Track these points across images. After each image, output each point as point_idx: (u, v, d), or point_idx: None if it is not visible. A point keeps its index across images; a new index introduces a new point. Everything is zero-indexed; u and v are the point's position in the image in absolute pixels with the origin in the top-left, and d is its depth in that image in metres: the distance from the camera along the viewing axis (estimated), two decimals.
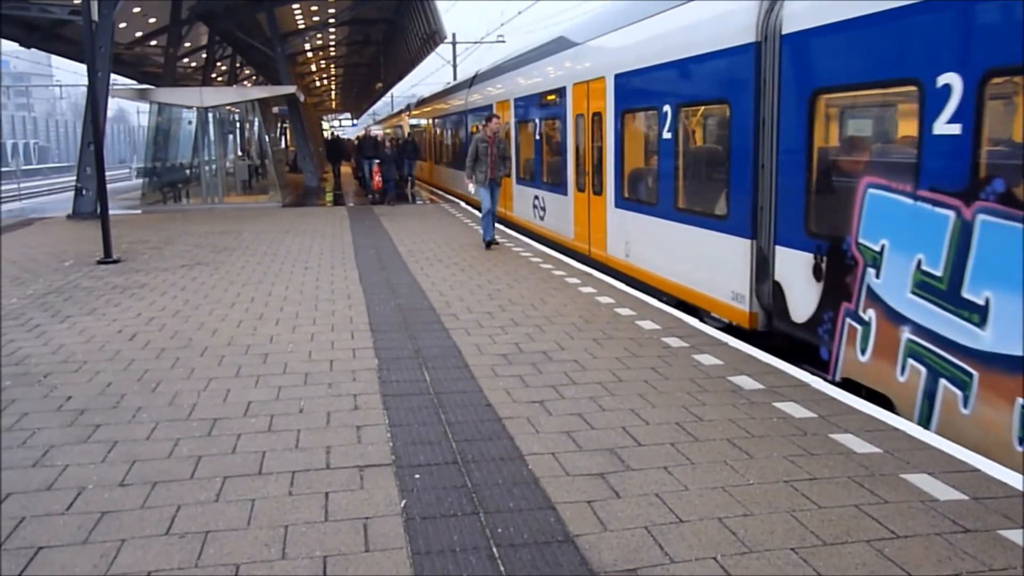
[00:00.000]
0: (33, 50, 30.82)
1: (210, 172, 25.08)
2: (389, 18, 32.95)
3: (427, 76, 56.15)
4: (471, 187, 13.69)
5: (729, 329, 7.96)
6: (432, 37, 28.19)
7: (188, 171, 27.95)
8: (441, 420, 5.38)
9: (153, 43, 33.53)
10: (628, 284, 10.09)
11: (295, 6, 28.86)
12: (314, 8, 30.36)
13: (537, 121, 15.19)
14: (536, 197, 15.53)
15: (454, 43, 50.94)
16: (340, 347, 7.32)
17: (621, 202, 11.00)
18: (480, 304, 9.03)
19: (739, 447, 4.86)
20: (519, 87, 16.56)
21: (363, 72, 53.14)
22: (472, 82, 22.73)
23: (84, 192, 20.45)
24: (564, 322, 8.10)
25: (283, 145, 44.58)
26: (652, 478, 4.43)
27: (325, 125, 67.10)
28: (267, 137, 30.93)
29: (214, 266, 12.14)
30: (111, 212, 13.40)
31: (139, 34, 32.45)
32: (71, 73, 78.09)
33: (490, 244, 13.42)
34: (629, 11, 11.04)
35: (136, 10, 28.03)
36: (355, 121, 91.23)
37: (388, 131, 40.81)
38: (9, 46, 30.02)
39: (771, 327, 7.61)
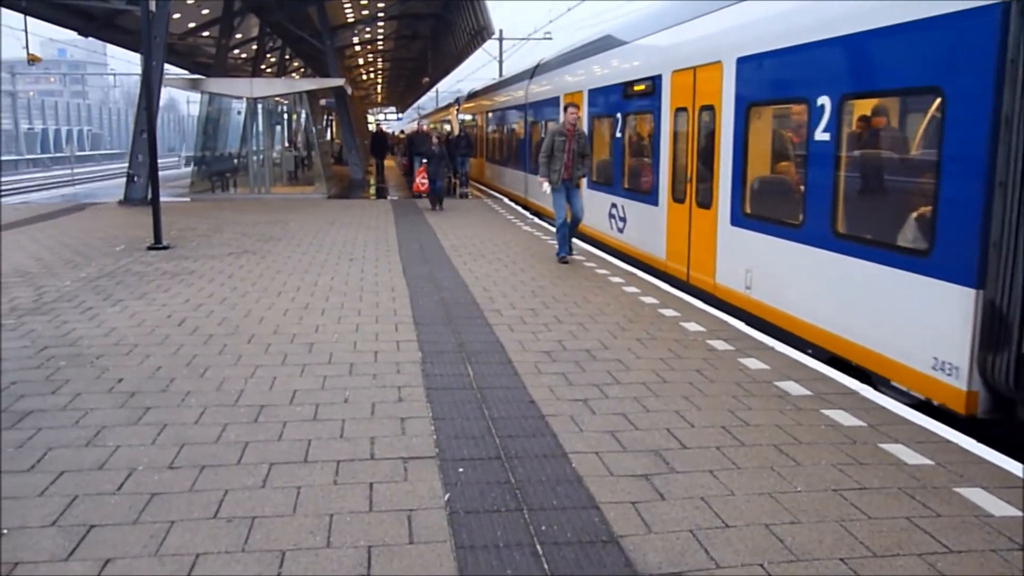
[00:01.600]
0: (90, 39, 31.47)
1: (258, 162, 25.42)
2: (437, 13, 33.07)
3: (473, 72, 56.21)
4: (546, 187, 11.67)
5: (926, 409, 5.79)
6: (480, 33, 28.23)
7: (236, 160, 28.37)
8: (484, 415, 5.39)
9: (205, 34, 34.06)
10: (748, 322, 8.09)
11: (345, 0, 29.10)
12: (364, 2, 30.59)
13: (619, 116, 12.92)
14: (614, 205, 13.19)
15: (501, 39, 50.97)
16: (384, 339, 7.37)
17: (741, 219, 8.77)
18: (523, 300, 9.02)
19: (786, 453, 4.79)
20: (595, 76, 14.50)
21: (410, 66, 53.42)
22: (534, 72, 20.67)
23: (136, 179, 20.83)
24: (608, 321, 8.06)
25: (329, 137, 45.01)
26: (697, 481, 4.39)
27: (370, 119, 67.60)
28: (314, 129, 31.23)
29: (261, 255, 12.29)
30: (161, 199, 13.62)
31: (192, 24, 32.97)
32: (125, 62, 79.67)
33: (564, 260, 11.62)
34: None
35: (190, 1, 28.50)
36: (400, 115, 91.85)
37: (434, 126, 40.62)
38: (67, 34, 30.64)
39: (1009, 416, 5.51)
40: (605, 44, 14.22)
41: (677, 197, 10.63)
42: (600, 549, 3.68)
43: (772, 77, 8.24)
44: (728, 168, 8.98)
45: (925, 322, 5.96)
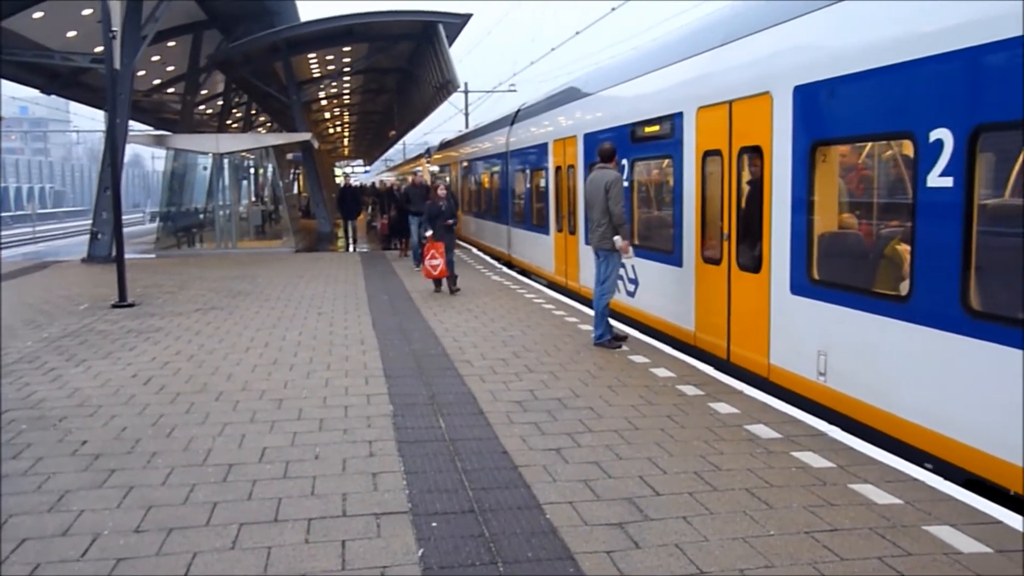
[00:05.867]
0: (52, 96, 31.40)
1: (224, 217, 25.32)
2: (403, 67, 33.44)
3: (440, 124, 56.83)
4: (631, 254, 9.32)
5: None
6: (445, 86, 28.53)
7: (202, 216, 28.23)
8: (457, 467, 5.35)
9: (171, 90, 34.14)
10: (813, 413, 6.61)
11: (311, 55, 29.36)
12: (330, 57, 30.89)
13: (626, 163, 10.92)
14: (622, 265, 10.05)
15: (466, 92, 51.66)
16: (355, 393, 7.32)
17: (807, 286, 6.98)
18: (494, 350, 9.02)
19: (758, 497, 4.81)
20: (594, 118, 12.63)
21: (376, 120, 53.82)
22: (515, 118, 18.85)
23: (100, 236, 20.65)
24: (578, 369, 8.08)
25: (296, 191, 45.02)
26: (671, 528, 4.39)
27: (338, 171, 67.83)
28: (281, 183, 31.25)
29: (228, 310, 12.19)
30: (125, 256, 13.50)
31: (157, 81, 33.07)
32: (88, 119, 79.45)
33: (618, 341, 9.23)
34: None
35: (155, 58, 28.63)
36: (367, 168, 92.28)
37: (406, 177, 40.39)
38: (29, 92, 30.56)
39: None
40: (605, 81, 12.63)
41: (708, 258, 8.88)
42: None
43: (849, 106, 6.47)
44: (788, 223, 7.24)
45: None
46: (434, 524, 4.46)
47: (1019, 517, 4.48)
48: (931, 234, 5.58)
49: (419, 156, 48.40)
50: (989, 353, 5.06)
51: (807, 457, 5.49)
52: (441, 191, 14.18)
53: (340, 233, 29.14)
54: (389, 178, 51.95)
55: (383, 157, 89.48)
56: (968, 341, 5.22)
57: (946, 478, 5.13)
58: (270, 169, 33.26)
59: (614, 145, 9.30)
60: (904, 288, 5.91)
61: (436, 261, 13.48)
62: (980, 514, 4.52)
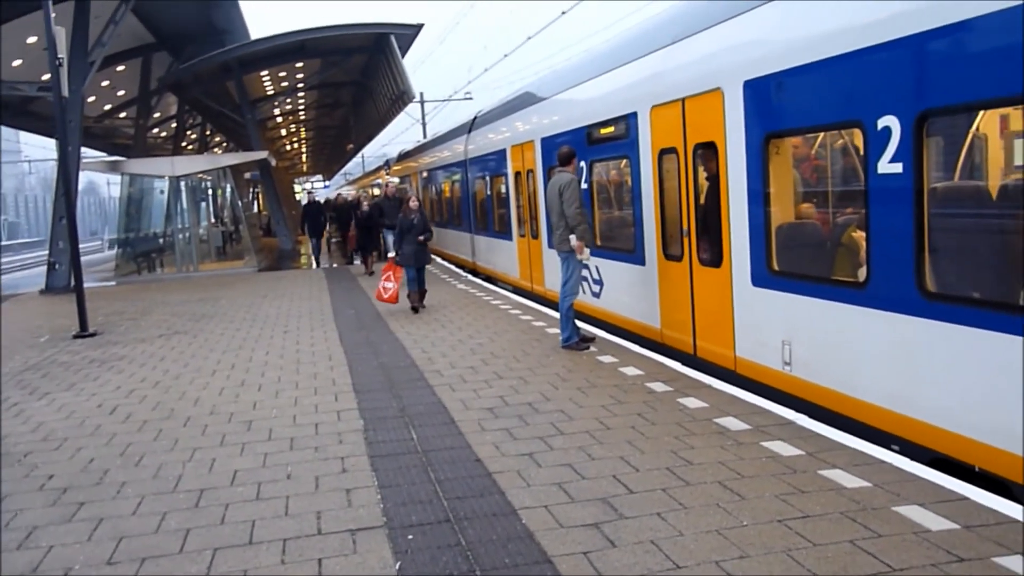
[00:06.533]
0: (1, 127, 30.86)
1: (184, 240, 25.05)
2: (357, 80, 33.36)
3: (397, 135, 56.75)
4: (587, 254, 9.20)
5: None
6: (401, 97, 28.51)
7: (162, 240, 27.89)
8: (431, 478, 5.35)
9: (123, 115, 33.70)
10: (781, 402, 6.71)
11: (264, 73, 29.18)
12: (283, 74, 30.71)
13: (583, 165, 10.92)
14: (585, 266, 10.10)
15: (422, 102, 51.67)
16: (324, 410, 7.27)
17: (769, 278, 7.04)
18: (463, 359, 9.02)
19: (730, 489, 4.86)
20: (550, 122, 12.64)
21: (333, 134, 53.59)
22: (472, 126, 19.01)
23: (57, 266, 20.31)
24: (547, 372, 8.11)
25: (256, 210, 44.64)
26: (646, 525, 4.42)
27: (297, 187, 67.37)
28: (240, 203, 30.97)
29: (192, 334, 12.05)
30: (85, 285, 13.29)
31: (108, 106, 32.63)
32: (40, 148, 77.99)
33: (586, 342, 9.29)
34: None
35: (105, 83, 28.27)
36: (327, 183, 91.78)
37: (362, 188, 40.09)
38: None
39: None
40: (559, 84, 12.60)
41: (670, 255, 8.93)
42: None
43: (801, 98, 6.51)
44: (746, 217, 7.31)
45: None
46: (410, 536, 4.45)
47: (984, 492, 4.58)
48: (885, 220, 5.66)
49: (379, 168, 48.19)
50: (947, 333, 5.15)
51: (776, 446, 5.56)
52: (413, 203, 13.09)
53: (303, 250, 28.95)
54: (349, 191, 51.63)
55: (342, 171, 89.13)
56: (926, 323, 5.31)
57: (913, 459, 5.22)
58: (228, 189, 32.96)
59: (571, 148, 9.34)
60: (862, 274, 5.98)
61: (390, 284, 12.71)
62: (947, 492, 4.61)
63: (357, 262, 22.22)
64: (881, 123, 5.56)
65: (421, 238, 12.80)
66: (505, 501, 4.89)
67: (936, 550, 3.93)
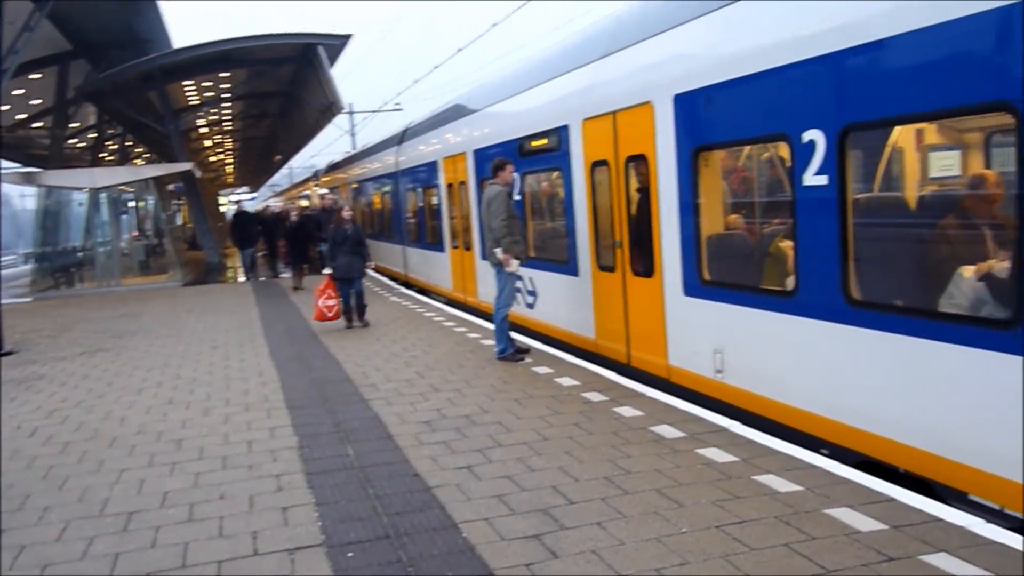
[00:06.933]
0: None
1: (105, 254, 24.29)
2: (285, 91, 32.86)
3: (327, 146, 56.27)
4: (515, 266, 9.11)
5: None
6: (329, 108, 28.19)
7: (81, 254, 26.99)
8: (369, 494, 5.28)
9: (38, 124, 32.51)
10: (714, 409, 6.80)
11: (187, 82, 28.53)
12: (208, 84, 30.06)
13: (516, 176, 10.36)
14: (519, 278, 10.50)
15: (351, 113, 51.23)
16: (257, 427, 7.12)
17: (700, 288, 7.17)
18: (397, 372, 8.95)
19: (668, 496, 4.93)
20: (482, 135, 12.62)
21: (260, 145, 52.65)
22: (403, 138, 19.01)
23: None
24: (484, 384, 8.10)
25: (180, 222, 43.57)
26: (587, 535, 4.45)
27: (223, 200, 65.97)
28: (163, 215, 30.19)
29: (116, 351, 11.68)
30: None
31: (22, 116, 31.42)
32: None
33: (521, 354, 9.28)
34: None
35: (18, 92, 27.20)
36: (254, 195, 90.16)
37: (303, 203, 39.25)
38: None
39: None
40: (491, 96, 12.61)
41: (603, 265, 9.00)
42: None
43: (733, 110, 6.62)
44: (676, 228, 7.44)
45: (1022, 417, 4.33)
46: (350, 554, 4.39)
47: (909, 493, 4.74)
48: (811, 230, 5.81)
49: (307, 180, 47.53)
50: (871, 340, 5.32)
51: (711, 453, 5.66)
52: (346, 213, 12.65)
53: (230, 263, 28.36)
54: (276, 203, 50.77)
55: (269, 183, 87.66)
56: (852, 330, 5.47)
57: (841, 462, 5.37)
58: (151, 201, 32.10)
59: (503, 160, 9.36)
60: (790, 283, 6.15)
61: (331, 301, 12.26)
62: (875, 493, 4.76)
63: (285, 275, 21.83)
64: (806, 136, 5.72)
65: (362, 252, 12.41)
66: (445, 515, 4.86)
67: (867, 550, 4.05)
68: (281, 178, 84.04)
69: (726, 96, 6.62)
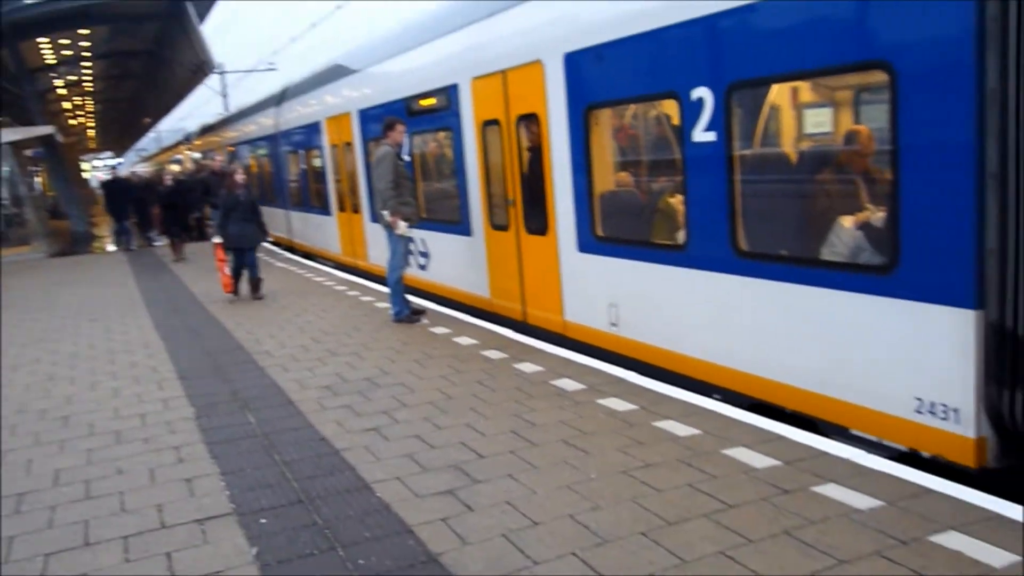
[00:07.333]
0: None
1: None
2: (150, 50, 31.20)
3: (198, 108, 53.83)
4: (403, 228, 8.95)
5: (909, 460, 4.64)
6: (200, 67, 27.02)
7: None
8: (276, 460, 5.22)
9: None
10: (617, 363, 6.94)
11: (42, 40, 26.68)
12: (65, 41, 28.19)
13: (406, 137, 9.92)
14: (411, 240, 10.05)
15: (223, 73, 49.17)
16: (148, 399, 6.88)
17: (593, 244, 7.36)
18: (291, 338, 8.80)
19: (575, 445, 5.08)
20: (368, 94, 12.37)
21: (124, 107, 49.89)
22: (282, 98, 18.41)
23: None
24: (382, 347, 8.07)
25: (40, 190, 40.96)
26: (500, 487, 4.55)
27: (85, 165, 62.38)
28: (23, 183, 28.31)
29: None
30: None
31: None
32: None
33: (417, 315, 9.25)
34: None
35: None
36: (121, 159, 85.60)
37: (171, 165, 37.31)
38: None
39: None
40: (377, 55, 12.37)
41: (496, 224, 9.05)
42: (421, 570, 3.71)
43: (616, 70, 6.76)
44: (570, 185, 7.53)
45: (902, 357, 4.68)
46: (263, 521, 4.34)
47: (797, 430, 5.06)
48: (700, 184, 6.03)
49: (178, 143, 45.48)
50: (759, 288, 5.60)
51: (612, 403, 5.85)
52: (239, 177, 11.73)
53: (98, 232, 26.95)
54: (143, 168, 48.29)
55: (136, 147, 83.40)
56: (740, 280, 5.74)
57: (735, 406, 5.67)
58: (7, 169, 30.01)
59: (394, 119, 9.20)
60: (681, 237, 6.38)
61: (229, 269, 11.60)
62: (767, 433, 5.06)
63: (159, 243, 20.93)
64: (695, 94, 5.88)
65: (255, 220, 11.60)
66: (357, 476, 4.86)
67: (763, 485, 4.31)
68: (148, 143, 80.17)
69: (616, 55, 6.73)
